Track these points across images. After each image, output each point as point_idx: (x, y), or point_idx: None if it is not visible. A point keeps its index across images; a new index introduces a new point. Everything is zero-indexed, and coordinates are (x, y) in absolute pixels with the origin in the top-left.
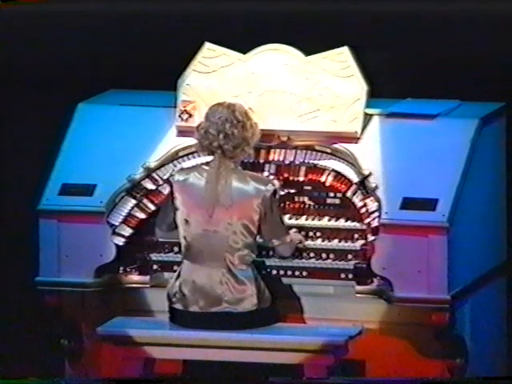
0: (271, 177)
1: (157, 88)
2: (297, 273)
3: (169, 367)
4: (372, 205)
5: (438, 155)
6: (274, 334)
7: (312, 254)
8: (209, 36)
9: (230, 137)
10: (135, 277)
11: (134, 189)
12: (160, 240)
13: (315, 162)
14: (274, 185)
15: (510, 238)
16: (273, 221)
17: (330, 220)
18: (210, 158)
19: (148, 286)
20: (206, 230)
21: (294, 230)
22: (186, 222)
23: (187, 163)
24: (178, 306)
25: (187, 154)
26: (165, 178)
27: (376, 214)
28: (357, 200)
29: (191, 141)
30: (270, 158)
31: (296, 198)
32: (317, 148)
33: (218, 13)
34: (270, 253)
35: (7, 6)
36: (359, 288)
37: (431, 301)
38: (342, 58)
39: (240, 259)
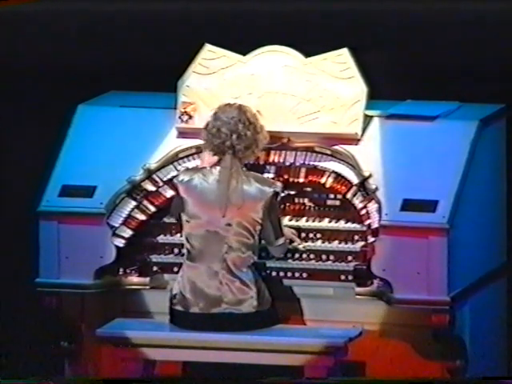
0: (271, 177)
1: (157, 89)
2: (297, 274)
3: (168, 369)
4: (372, 206)
5: (438, 157)
6: (274, 336)
7: (312, 256)
8: (209, 37)
9: (242, 137)
10: (135, 278)
11: (134, 190)
12: (160, 241)
13: (315, 163)
14: (276, 187)
15: (510, 239)
16: (268, 223)
17: (330, 221)
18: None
19: (148, 287)
20: (208, 231)
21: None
22: (189, 222)
23: (187, 165)
24: (179, 308)
25: (187, 156)
26: (165, 179)
27: (376, 215)
28: (357, 201)
29: (191, 142)
30: (270, 159)
31: (296, 200)
32: (317, 149)
33: (218, 14)
34: (270, 254)
35: (7, 6)
36: (359, 289)
37: (431, 302)
38: (341, 60)
39: (241, 261)
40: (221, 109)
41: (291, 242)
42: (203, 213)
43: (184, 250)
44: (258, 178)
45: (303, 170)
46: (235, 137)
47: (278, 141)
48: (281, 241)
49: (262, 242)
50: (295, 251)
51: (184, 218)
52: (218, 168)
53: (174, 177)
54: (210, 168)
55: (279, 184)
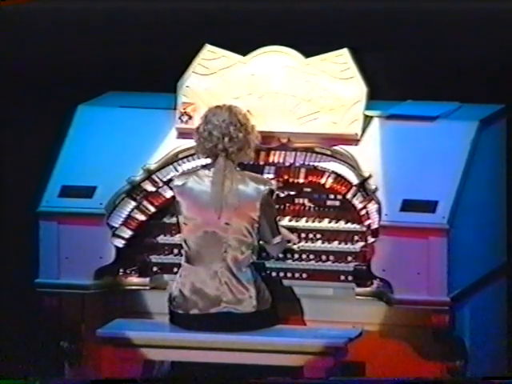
0: (271, 177)
1: (157, 90)
2: (297, 275)
3: None
4: (372, 207)
5: (438, 157)
6: (274, 336)
7: (312, 256)
8: (209, 37)
9: (234, 140)
10: (135, 279)
11: (134, 191)
12: (160, 242)
13: (315, 163)
14: (271, 185)
15: (510, 239)
16: (264, 221)
17: (329, 222)
18: (209, 161)
19: (148, 287)
20: (206, 232)
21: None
22: (186, 224)
23: (187, 165)
24: (179, 310)
25: (187, 156)
26: (165, 180)
27: (376, 215)
28: (357, 202)
29: (191, 143)
30: (270, 159)
31: (296, 200)
32: (317, 150)
33: (218, 14)
34: (270, 254)
35: (7, 5)
36: (359, 290)
37: (431, 303)
38: (341, 60)
39: (240, 260)
40: (211, 111)
41: (288, 241)
42: (200, 215)
43: (183, 252)
44: (252, 177)
45: (303, 171)
46: (227, 139)
47: (278, 141)
48: (278, 239)
49: (261, 242)
50: (294, 251)
51: (181, 220)
52: (212, 170)
53: (172, 178)
54: (204, 170)
55: (274, 182)
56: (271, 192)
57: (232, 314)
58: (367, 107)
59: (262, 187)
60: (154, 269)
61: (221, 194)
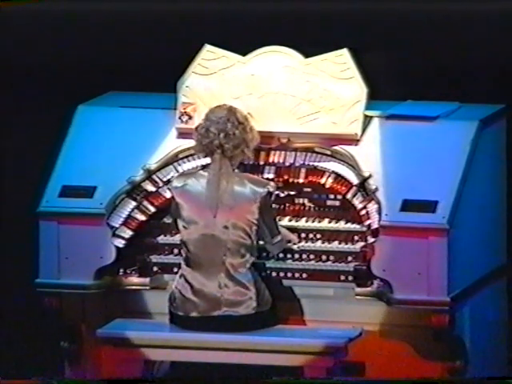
0: (271, 177)
1: (157, 90)
2: (297, 275)
3: None
4: (372, 207)
5: (438, 157)
6: (274, 336)
7: (312, 256)
8: (209, 37)
9: (230, 136)
10: (135, 279)
11: (134, 191)
12: (160, 242)
13: (315, 163)
14: (270, 187)
15: (510, 239)
16: (263, 223)
17: (330, 222)
18: (208, 161)
19: (148, 288)
20: (204, 235)
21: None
22: (186, 228)
23: (187, 165)
24: (178, 312)
25: (187, 156)
26: (165, 180)
27: (376, 215)
28: (357, 202)
29: (191, 143)
30: (270, 159)
31: (296, 200)
32: (317, 150)
33: (218, 14)
34: (270, 254)
35: (7, 6)
36: (359, 290)
37: (431, 303)
38: (341, 60)
39: (239, 262)
40: (211, 110)
41: (288, 242)
42: (199, 216)
43: (182, 254)
44: (251, 179)
45: (303, 171)
46: (223, 135)
47: (278, 141)
48: (278, 238)
49: (261, 242)
50: (295, 251)
51: (180, 223)
52: (209, 169)
53: (171, 179)
54: (203, 171)
55: (272, 184)
56: (269, 194)
57: (232, 317)
58: (367, 107)
59: (260, 189)
60: (154, 269)
61: (216, 192)
